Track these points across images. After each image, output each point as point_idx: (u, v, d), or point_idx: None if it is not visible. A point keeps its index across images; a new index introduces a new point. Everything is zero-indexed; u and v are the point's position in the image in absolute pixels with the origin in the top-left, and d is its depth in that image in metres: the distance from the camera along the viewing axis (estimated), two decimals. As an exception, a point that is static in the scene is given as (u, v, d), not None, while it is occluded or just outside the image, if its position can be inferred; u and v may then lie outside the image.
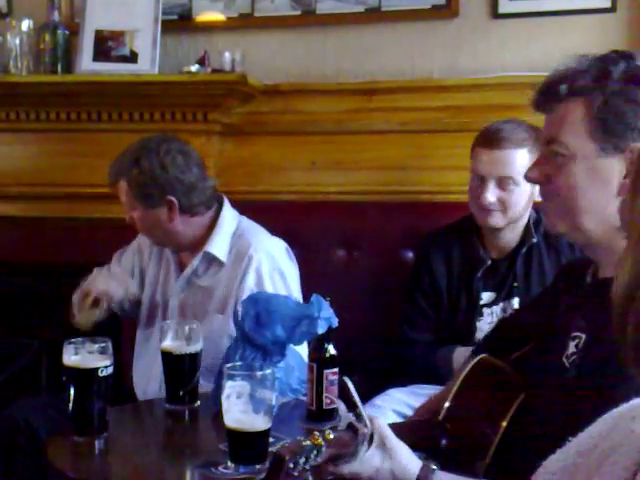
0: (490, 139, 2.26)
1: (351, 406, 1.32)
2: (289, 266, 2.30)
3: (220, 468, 1.60)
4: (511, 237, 2.32)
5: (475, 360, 1.56)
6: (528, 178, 1.39)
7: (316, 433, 1.24)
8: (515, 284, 2.29)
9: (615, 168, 1.26)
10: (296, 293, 2.26)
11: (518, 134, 2.22)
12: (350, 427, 1.30)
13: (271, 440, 1.59)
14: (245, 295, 2.10)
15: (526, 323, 1.65)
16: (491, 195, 2.24)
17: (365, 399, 2.20)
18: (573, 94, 1.28)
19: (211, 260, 2.27)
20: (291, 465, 1.18)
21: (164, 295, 2.36)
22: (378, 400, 2.21)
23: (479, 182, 2.27)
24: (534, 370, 1.46)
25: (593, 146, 1.26)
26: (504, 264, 2.33)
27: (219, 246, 2.26)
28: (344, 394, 1.41)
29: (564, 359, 1.34)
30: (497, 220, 2.27)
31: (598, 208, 1.28)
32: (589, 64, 1.28)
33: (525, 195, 2.25)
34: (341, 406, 1.35)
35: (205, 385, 2.02)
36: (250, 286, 2.18)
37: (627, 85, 1.25)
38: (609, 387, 1.20)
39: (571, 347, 1.33)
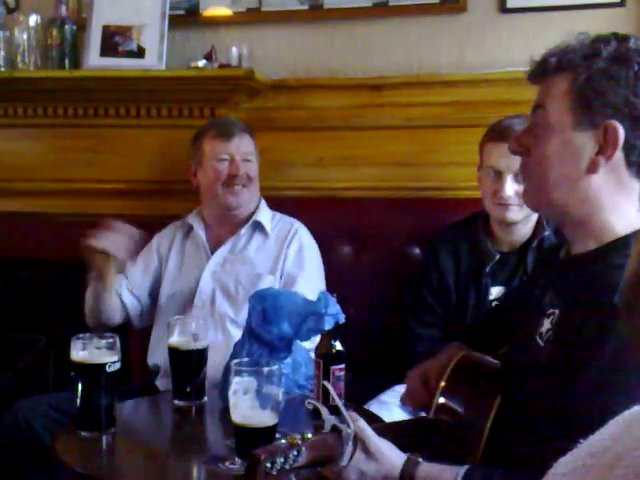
0: (503, 133, 2.25)
1: (333, 409, 1.33)
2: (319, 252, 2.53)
3: (227, 464, 1.60)
4: (524, 231, 2.32)
5: (456, 358, 1.56)
6: (510, 149, 1.42)
7: (295, 434, 1.24)
8: (526, 278, 2.28)
9: (587, 144, 1.29)
10: (322, 276, 2.47)
11: None
12: (334, 429, 1.30)
13: (278, 436, 1.58)
14: (290, 260, 2.42)
15: (508, 316, 1.66)
16: (509, 189, 2.24)
17: (372, 395, 2.20)
18: (561, 68, 1.31)
19: (256, 230, 2.49)
20: (268, 465, 1.17)
21: (192, 275, 2.46)
22: (385, 396, 2.20)
23: (495, 177, 2.26)
24: (511, 357, 1.48)
25: (571, 119, 1.29)
26: (514, 258, 2.33)
27: (265, 219, 2.50)
28: (326, 397, 1.41)
29: (537, 337, 1.36)
30: (515, 215, 2.27)
31: (568, 183, 1.31)
32: (584, 42, 1.31)
33: None
34: (323, 409, 1.35)
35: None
36: (294, 250, 2.43)
37: (612, 64, 1.27)
38: (581, 360, 1.22)
39: (546, 324, 1.35)
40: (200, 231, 2.51)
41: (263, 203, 2.54)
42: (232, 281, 2.42)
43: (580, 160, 1.29)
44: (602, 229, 1.30)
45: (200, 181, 2.49)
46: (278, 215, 2.55)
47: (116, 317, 2.42)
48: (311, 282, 2.36)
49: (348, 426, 1.30)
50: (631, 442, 0.77)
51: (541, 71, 1.35)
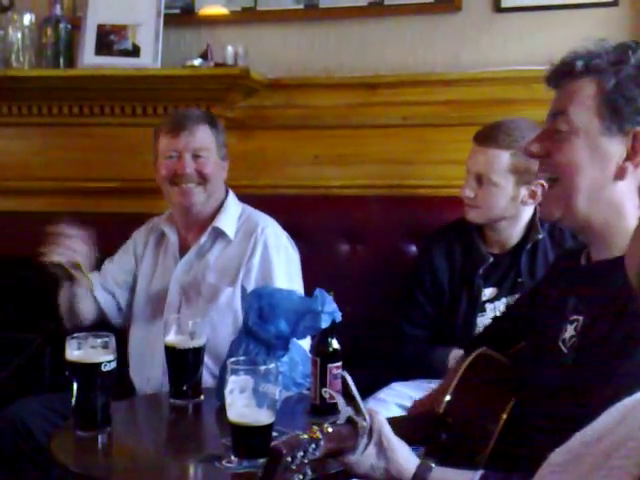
0: (480, 133, 2.27)
1: (350, 400, 1.32)
2: (292, 247, 2.39)
3: (224, 462, 1.60)
4: (511, 233, 2.31)
5: (475, 354, 1.56)
6: (528, 152, 1.40)
7: (314, 427, 1.24)
8: (520, 280, 2.28)
9: (615, 149, 1.28)
10: (298, 274, 2.36)
11: (510, 134, 2.20)
12: (349, 421, 1.30)
13: (274, 434, 1.59)
14: (254, 270, 2.27)
15: (522, 316, 1.65)
16: (468, 190, 2.25)
17: (369, 393, 2.20)
18: (588, 72, 1.30)
19: (218, 236, 2.35)
20: (289, 459, 1.17)
21: (163, 280, 2.39)
22: (382, 394, 2.20)
23: (467, 175, 2.28)
24: (530, 361, 1.47)
25: (598, 124, 1.29)
26: (506, 260, 2.32)
27: (227, 224, 2.35)
28: (343, 388, 1.42)
29: (560, 344, 1.35)
30: (472, 216, 2.28)
31: (594, 187, 1.30)
32: (608, 48, 1.31)
33: (504, 197, 2.23)
34: (340, 400, 1.36)
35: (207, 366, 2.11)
36: (258, 261, 2.28)
37: None
38: (608, 367, 1.22)
39: (569, 330, 1.34)
40: (172, 236, 2.40)
41: (229, 201, 2.39)
42: (194, 291, 2.32)
43: (607, 166, 1.28)
44: (625, 236, 1.28)
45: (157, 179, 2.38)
46: (247, 212, 2.41)
47: (90, 316, 2.35)
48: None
49: (364, 419, 1.30)
50: (626, 432, 0.77)
51: (566, 73, 1.33)
